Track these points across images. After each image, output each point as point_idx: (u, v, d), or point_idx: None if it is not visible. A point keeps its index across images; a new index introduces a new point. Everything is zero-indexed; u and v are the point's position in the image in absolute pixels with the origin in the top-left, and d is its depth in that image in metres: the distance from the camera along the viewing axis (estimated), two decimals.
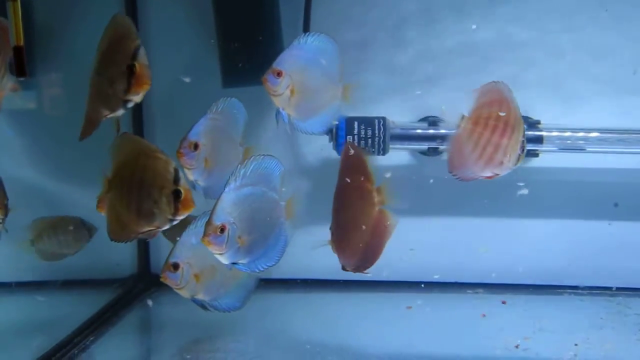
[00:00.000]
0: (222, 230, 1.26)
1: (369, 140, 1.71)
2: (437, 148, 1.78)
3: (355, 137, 1.71)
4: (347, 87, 1.52)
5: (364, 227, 1.36)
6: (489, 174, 1.40)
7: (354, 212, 1.36)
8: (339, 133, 1.71)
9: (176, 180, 1.27)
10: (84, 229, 1.71)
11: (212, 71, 1.79)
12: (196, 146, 1.41)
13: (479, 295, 1.84)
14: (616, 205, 1.83)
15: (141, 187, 1.28)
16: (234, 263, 1.32)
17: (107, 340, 1.54)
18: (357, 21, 1.84)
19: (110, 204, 1.31)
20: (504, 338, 1.52)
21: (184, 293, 1.42)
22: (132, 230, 1.30)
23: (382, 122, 1.72)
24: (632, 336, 1.54)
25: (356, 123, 1.72)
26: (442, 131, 1.75)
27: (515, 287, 1.85)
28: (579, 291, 1.84)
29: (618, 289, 1.82)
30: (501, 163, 1.38)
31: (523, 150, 1.40)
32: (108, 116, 1.30)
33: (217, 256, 1.28)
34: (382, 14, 1.84)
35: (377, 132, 1.71)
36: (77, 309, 1.68)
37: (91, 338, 1.53)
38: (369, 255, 1.39)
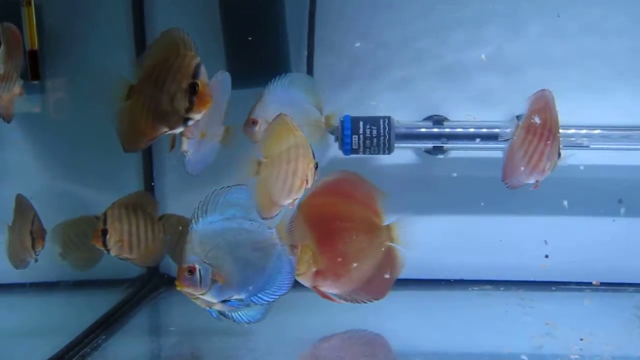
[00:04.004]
0: (191, 271, 1.25)
1: (374, 139, 1.73)
2: (442, 146, 1.80)
3: (361, 136, 1.73)
4: (329, 117, 1.57)
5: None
6: (532, 181, 1.45)
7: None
8: (344, 132, 1.73)
9: (195, 74, 1.21)
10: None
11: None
12: None
13: (484, 292, 1.85)
14: (620, 201, 1.84)
15: (162, 86, 1.22)
16: (225, 301, 1.30)
17: (118, 339, 1.55)
18: (363, 23, 1.85)
19: (130, 110, 1.26)
20: (510, 335, 1.54)
21: (200, 303, 1.43)
22: (146, 135, 1.24)
23: (387, 122, 1.74)
24: (636, 331, 1.55)
25: (361, 122, 1.73)
26: (447, 130, 1.77)
27: (520, 284, 1.86)
28: (584, 287, 1.85)
29: (622, 284, 1.84)
30: (544, 170, 1.42)
31: (559, 155, 1.45)
32: (166, 133, 1.26)
33: (201, 297, 1.27)
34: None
35: (382, 131, 1.73)
36: (88, 308, 1.69)
37: (102, 337, 1.54)
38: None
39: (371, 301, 1.49)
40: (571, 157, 1.80)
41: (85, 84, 1.80)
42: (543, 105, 1.41)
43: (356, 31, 1.86)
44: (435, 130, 1.78)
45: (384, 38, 1.85)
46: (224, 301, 1.30)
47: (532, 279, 1.87)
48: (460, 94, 1.85)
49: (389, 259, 1.48)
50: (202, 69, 1.22)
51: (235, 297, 1.31)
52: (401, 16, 1.85)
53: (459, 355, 1.47)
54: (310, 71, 1.82)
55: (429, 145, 1.81)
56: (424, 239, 1.85)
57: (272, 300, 1.33)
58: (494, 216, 1.87)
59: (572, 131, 1.74)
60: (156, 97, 1.22)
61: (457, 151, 1.86)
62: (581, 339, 1.46)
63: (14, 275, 1.58)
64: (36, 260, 1.54)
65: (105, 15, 1.87)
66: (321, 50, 1.84)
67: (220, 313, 1.40)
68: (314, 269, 1.41)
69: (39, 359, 1.39)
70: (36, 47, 1.15)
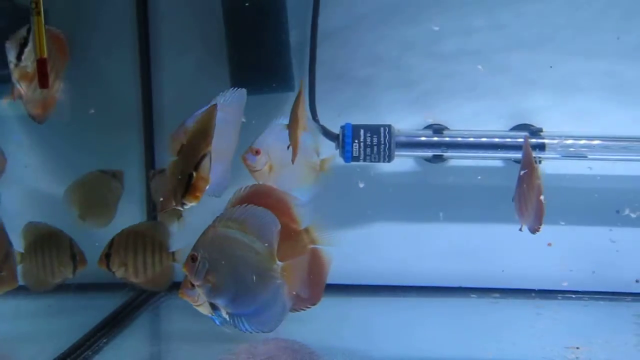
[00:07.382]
0: (193, 259, 1.28)
1: (375, 147, 1.75)
2: (442, 155, 1.81)
3: (362, 144, 1.74)
4: (324, 161, 1.62)
5: None
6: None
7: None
8: (345, 140, 1.74)
9: (197, 165, 1.22)
10: (109, 177, 1.74)
11: (221, 78, 1.82)
12: None
13: (484, 300, 1.86)
14: (618, 212, 1.85)
15: (186, 161, 1.24)
16: (213, 307, 1.32)
17: (120, 342, 1.56)
18: (366, 29, 1.87)
19: (170, 169, 1.29)
20: (508, 342, 1.55)
21: (203, 310, 1.45)
22: (167, 203, 1.27)
23: (387, 130, 1.75)
24: (633, 340, 1.55)
25: (362, 130, 1.75)
26: (447, 138, 1.79)
27: (517, 292, 1.87)
28: (581, 296, 1.86)
29: (619, 294, 1.85)
30: None
31: None
32: (174, 207, 1.28)
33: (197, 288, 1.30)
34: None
35: (382, 139, 1.75)
36: (90, 311, 1.71)
37: (104, 340, 1.55)
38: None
39: (309, 307, 1.47)
40: (569, 167, 1.85)
41: (89, 89, 1.82)
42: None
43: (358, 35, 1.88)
44: (435, 139, 1.79)
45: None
46: (212, 306, 1.32)
47: (529, 287, 1.88)
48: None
49: (315, 261, 1.46)
50: (205, 161, 1.23)
51: (222, 307, 1.31)
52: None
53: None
54: (312, 77, 1.84)
55: (429, 153, 1.82)
56: (423, 246, 1.89)
57: (254, 332, 1.33)
58: (491, 225, 1.88)
59: (570, 141, 1.76)
60: (176, 171, 1.26)
61: (457, 160, 1.87)
62: (577, 348, 1.47)
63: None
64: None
65: (110, 22, 1.89)
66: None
67: (224, 321, 1.41)
68: None
69: None
70: (45, 55, 1.16)
